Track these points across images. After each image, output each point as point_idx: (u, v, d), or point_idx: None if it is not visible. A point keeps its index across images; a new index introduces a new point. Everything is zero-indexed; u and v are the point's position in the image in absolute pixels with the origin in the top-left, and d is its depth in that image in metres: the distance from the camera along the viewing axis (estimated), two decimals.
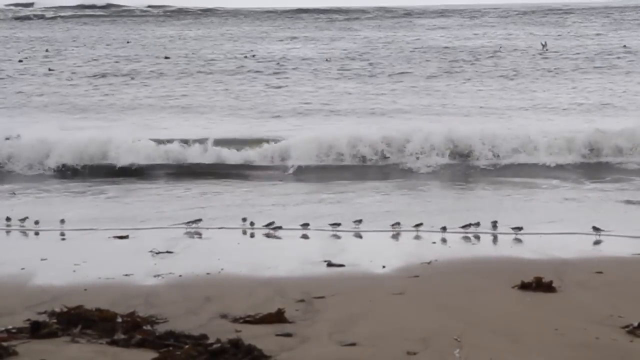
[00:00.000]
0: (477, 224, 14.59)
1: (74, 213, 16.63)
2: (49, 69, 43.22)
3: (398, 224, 14.79)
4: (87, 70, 43.47)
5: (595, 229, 14.26)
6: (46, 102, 33.82)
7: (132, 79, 40.39)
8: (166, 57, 47.80)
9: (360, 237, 14.70)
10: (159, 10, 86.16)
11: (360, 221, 15.08)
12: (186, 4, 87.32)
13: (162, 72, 42.50)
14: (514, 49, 50.04)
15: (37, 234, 15.06)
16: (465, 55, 47.77)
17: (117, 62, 46.08)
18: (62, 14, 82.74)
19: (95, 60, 47.26)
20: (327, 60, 46.46)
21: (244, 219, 15.36)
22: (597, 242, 14.01)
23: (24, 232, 15.18)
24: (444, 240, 14.21)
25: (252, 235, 14.84)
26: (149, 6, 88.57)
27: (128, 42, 56.34)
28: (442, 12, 77.73)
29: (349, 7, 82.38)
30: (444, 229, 14.61)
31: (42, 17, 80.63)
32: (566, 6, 79.70)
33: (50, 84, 38.79)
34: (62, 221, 15.35)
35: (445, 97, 34.40)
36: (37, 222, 15.31)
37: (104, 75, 41.48)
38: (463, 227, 14.61)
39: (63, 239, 14.65)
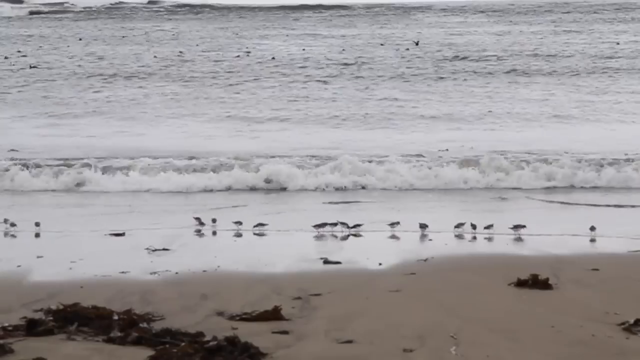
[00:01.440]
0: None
1: None
2: (30, 66, 43.26)
3: (398, 223, 14.75)
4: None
5: (592, 228, 14.24)
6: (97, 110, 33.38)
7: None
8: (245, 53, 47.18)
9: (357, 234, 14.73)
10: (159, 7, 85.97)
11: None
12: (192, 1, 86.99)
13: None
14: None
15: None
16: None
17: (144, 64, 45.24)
18: (48, 10, 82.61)
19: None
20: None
21: None
22: (592, 240, 14.01)
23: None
24: (440, 238, 14.22)
25: None
26: (150, 2, 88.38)
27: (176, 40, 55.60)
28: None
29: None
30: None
31: (37, 13, 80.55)
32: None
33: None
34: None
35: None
36: None
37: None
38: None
39: (60, 237, 14.64)
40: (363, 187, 20.03)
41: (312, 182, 20.10)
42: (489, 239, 14.17)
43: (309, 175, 20.29)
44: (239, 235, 14.66)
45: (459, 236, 14.34)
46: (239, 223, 14.96)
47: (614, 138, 25.23)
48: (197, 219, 15.28)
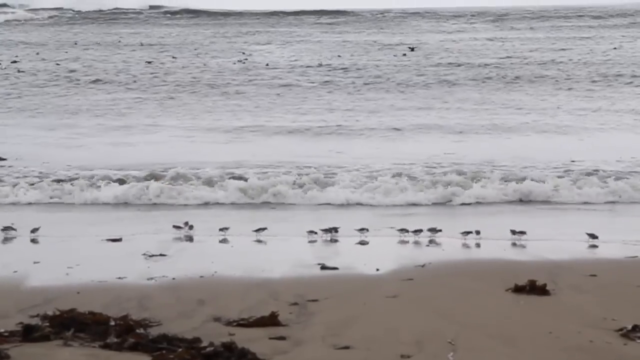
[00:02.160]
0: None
1: None
2: (18, 70, 43.36)
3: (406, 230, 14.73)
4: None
5: (591, 236, 14.20)
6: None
7: None
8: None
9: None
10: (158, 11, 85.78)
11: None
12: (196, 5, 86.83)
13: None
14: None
15: None
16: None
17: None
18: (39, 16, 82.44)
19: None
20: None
21: None
22: (592, 246, 13.98)
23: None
24: (437, 243, 14.23)
25: None
26: (151, 7, 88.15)
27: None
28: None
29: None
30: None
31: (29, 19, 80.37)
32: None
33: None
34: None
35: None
36: None
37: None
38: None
39: (57, 242, 14.60)
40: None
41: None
42: (487, 245, 14.16)
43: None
44: (231, 240, 14.66)
45: (456, 242, 14.33)
46: (225, 229, 14.99)
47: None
48: (183, 224, 15.29)
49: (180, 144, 26.68)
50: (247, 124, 30.45)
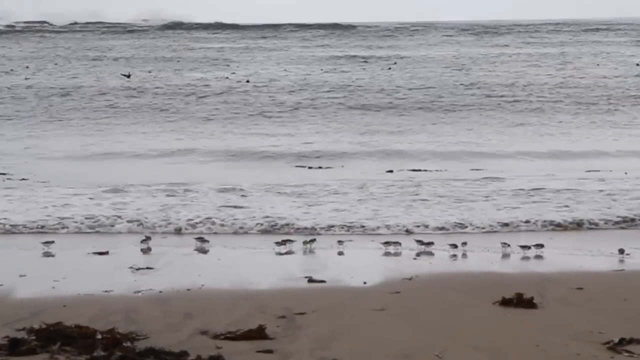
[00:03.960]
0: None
1: None
2: None
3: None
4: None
5: (621, 251, 14.24)
6: None
7: None
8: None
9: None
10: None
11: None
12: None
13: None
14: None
15: None
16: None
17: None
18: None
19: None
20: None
21: None
22: (621, 261, 13.98)
23: None
24: (424, 257, 14.25)
25: None
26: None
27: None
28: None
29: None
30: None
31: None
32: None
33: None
34: None
35: None
36: None
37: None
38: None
39: (43, 256, 14.53)
40: None
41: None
42: (474, 257, 14.18)
43: None
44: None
45: (444, 254, 14.36)
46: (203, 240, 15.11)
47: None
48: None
49: None
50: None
